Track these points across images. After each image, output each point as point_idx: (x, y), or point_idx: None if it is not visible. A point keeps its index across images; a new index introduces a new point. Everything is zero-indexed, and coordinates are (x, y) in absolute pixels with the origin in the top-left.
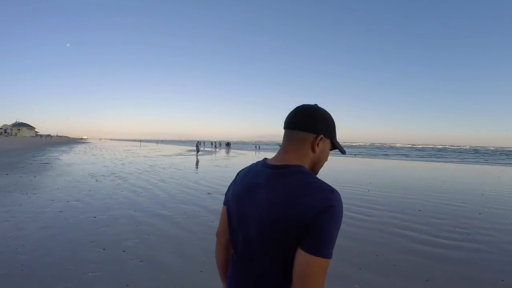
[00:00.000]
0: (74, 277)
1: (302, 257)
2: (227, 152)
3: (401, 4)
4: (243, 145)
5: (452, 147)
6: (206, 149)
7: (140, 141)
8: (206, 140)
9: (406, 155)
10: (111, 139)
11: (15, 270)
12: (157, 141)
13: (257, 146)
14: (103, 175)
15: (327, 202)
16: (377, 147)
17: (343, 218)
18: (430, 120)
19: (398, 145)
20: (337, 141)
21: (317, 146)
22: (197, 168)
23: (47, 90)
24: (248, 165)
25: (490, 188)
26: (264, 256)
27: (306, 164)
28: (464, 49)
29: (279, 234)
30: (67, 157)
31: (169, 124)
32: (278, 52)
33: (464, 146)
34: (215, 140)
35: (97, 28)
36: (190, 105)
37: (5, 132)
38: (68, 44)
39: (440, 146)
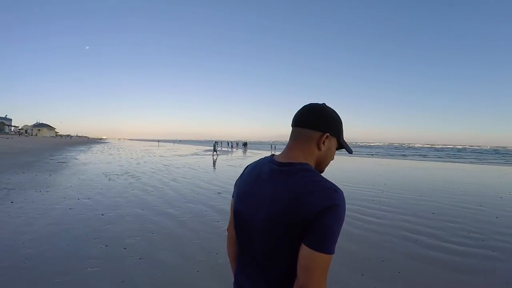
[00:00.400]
0: (73, 271)
1: (306, 253)
2: (244, 152)
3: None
4: (260, 145)
5: (471, 147)
6: (223, 149)
7: (158, 141)
8: (223, 140)
9: (424, 156)
10: (130, 139)
11: (19, 263)
12: (174, 141)
13: (273, 146)
14: (116, 174)
15: (330, 201)
16: (395, 147)
17: (351, 221)
18: (450, 120)
19: (417, 145)
20: (344, 140)
21: (323, 144)
22: (211, 168)
23: (67, 92)
24: (255, 160)
25: (510, 190)
26: (266, 250)
27: (312, 162)
28: (483, 51)
29: (280, 229)
30: (84, 157)
31: (188, 124)
32: (292, 53)
33: (484, 146)
34: (232, 140)
35: (115, 30)
36: (209, 106)
37: (26, 132)
38: (87, 47)
39: (460, 146)
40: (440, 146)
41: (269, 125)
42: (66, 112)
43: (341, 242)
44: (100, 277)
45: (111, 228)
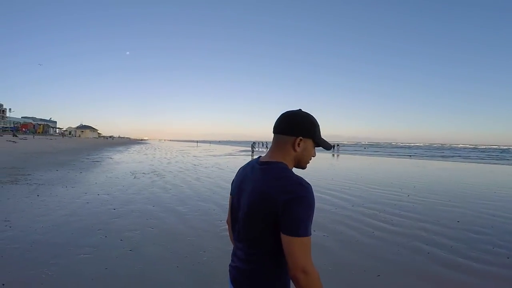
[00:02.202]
0: (68, 256)
1: (284, 239)
2: None
3: None
4: None
5: None
6: (260, 149)
7: (197, 141)
8: (259, 140)
9: (465, 157)
10: (170, 140)
11: (26, 245)
12: (210, 142)
13: None
14: (143, 173)
15: (295, 193)
16: (436, 148)
17: (360, 226)
18: (493, 119)
19: (459, 145)
20: (320, 140)
21: (298, 146)
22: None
23: (111, 95)
24: (247, 162)
25: None
26: (249, 238)
27: (290, 161)
28: None
29: (258, 220)
30: (119, 156)
31: (229, 125)
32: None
33: None
34: (267, 141)
35: (158, 34)
36: (250, 107)
37: (70, 133)
38: (128, 52)
39: (504, 147)
40: (483, 147)
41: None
42: (110, 114)
43: (339, 249)
44: (88, 263)
45: (117, 221)
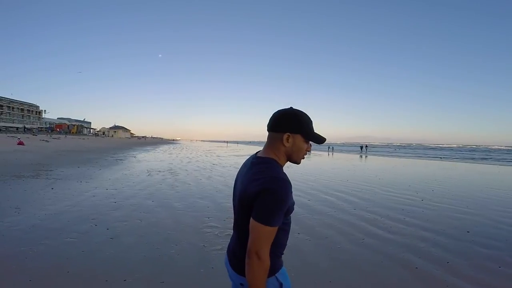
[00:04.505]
0: (56, 239)
1: (251, 222)
2: None
3: None
4: (324, 146)
5: None
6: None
7: (227, 142)
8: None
9: (497, 159)
10: (202, 140)
11: (25, 228)
12: (238, 142)
13: (330, 147)
14: (158, 171)
15: (267, 185)
16: (469, 150)
17: (353, 232)
18: None
19: (494, 147)
20: (309, 134)
21: (287, 141)
22: None
23: (147, 96)
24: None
25: None
26: (238, 223)
27: (281, 156)
28: None
29: (242, 206)
30: (143, 155)
31: (260, 126)
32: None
33: None
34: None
35: (185, 39)
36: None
37: (103, 134)
38: (160, 55)
39: None
40: None
41: (339, 127)
42: (145, 115)
43: (313, 254)
44: (71, 245)
45: (112, 213)
